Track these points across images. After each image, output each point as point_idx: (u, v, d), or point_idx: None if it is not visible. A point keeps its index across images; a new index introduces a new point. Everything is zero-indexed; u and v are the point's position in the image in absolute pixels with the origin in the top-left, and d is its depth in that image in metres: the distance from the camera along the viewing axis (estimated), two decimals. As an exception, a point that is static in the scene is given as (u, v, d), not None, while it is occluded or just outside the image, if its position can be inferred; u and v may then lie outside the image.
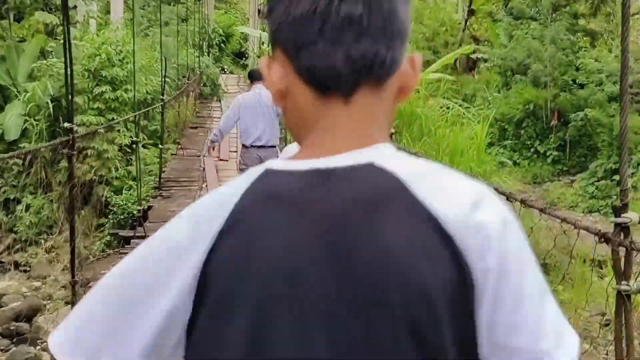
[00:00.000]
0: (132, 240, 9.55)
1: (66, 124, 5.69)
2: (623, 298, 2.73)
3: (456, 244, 0.86)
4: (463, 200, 0.88)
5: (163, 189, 12.16)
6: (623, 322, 2.71)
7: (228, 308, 0.86)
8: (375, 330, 0.82)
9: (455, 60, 28.33)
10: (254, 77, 7.71)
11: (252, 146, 6.87)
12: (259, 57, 21.81)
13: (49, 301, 10.38)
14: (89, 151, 12.98)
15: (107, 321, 0.91)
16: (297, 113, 0.98)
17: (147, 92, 13.78)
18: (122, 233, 10.95)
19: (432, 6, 31.62)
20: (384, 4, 0.93)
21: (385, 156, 0.92)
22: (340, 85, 0.93)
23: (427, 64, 23.84)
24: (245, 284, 0.85)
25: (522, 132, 21.99)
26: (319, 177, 0.90)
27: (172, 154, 14.15)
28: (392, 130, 5.11)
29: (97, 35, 13.91)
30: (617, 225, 2.74)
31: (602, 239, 2.78)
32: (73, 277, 6.08)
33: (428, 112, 12.53)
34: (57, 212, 13.12)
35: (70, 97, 5.53)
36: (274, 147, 7.31)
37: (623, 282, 2.74)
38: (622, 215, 2.72)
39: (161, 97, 12.02)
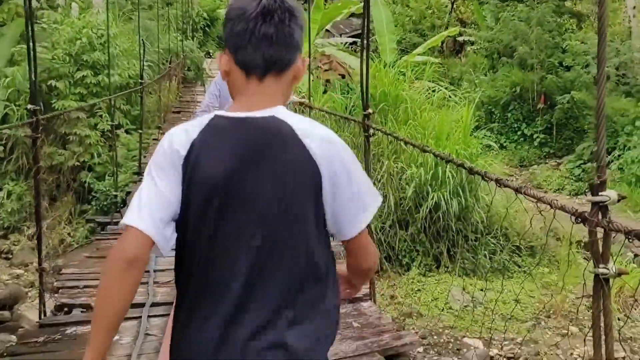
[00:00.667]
0: (108, 227, 9.32)
1: (29, 106, 5.47)
2: (601, 282, 2.57)
3: (316, 160, 1.81)
4: (319, 139, 1.84)
5: (143, 174, 11.94)
6: (601, 307, 2.56)
7: (189, 190, 1.86)
8: (282, 204, 1.83)
9: (442, 43, 28.27)
10: None
11: None
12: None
13: (31, 288, 10.24)
14: (71, 137, 12.80)
15: (148, 207, 1.81)
16: (233, 84, 1.97)
17: (129, 76, 13.57)
18: (100, 219, 10.66)
19: (419, -11, 31.33)
20: (285, 28, 1.87)
21: (280, 113, 1.89)
22: (257, 71, 1.90)
23: (413, 46, 23.77)
24: (200, 176, 1.83)
25: (509, 115, 21.93)
26: (242, 121, 1.87)
27: (153, 139, 13.89)
28: (370, 111, 5.37)
29: (78, 19, 13.65)
30: (594, 204, 2.57)
31: (579, 219, 2.60)
32: (40, 264, 5.88)
33: (414, 95, 12.43)
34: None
35: (34, 78, 5.36)
36: None
37: (601, 265, 2.58)
38: (600, 193, 2.54)
39: (140, 80, 11.74)
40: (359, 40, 22.36)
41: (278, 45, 1.90)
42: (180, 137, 1.88)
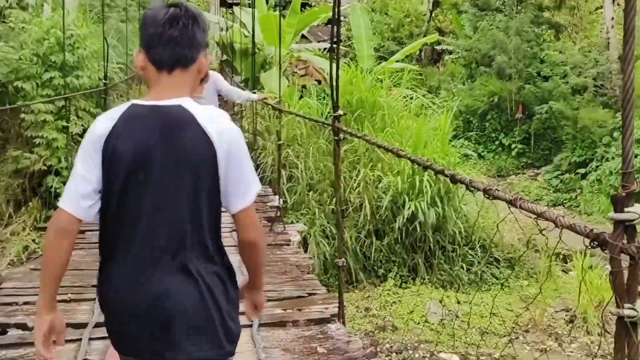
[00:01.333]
0: None
1: None
2: (626, 326, 2.00)
3: (213, 143, 2.28)
4: (218, 126, 2.32)
5: None
6: (625, 356, 1.97)
7: (107, 167, 2.33)
8: (186, 176, 2.30)
9: (421, 52, 28.15)
10: None
11: None
12: (217, 43, 21.29)
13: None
14: (37, 140, 12.36)
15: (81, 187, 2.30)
16: (148, 77, 2.43)
17: (99, 78, 13.14)
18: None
19: (397, -2, 31.26)
20: (189, 32, 2.36)
21: (186, 103, 2.37)
22: (166, 67, 2.38)
23: (391, 54, 23.58)
24: (116, 157, 2.31)
25: (487, 124, 21.80)
26: (153, 108, 2.34)
27: None
28: (341, 113, 5.14)
29: (47, 20, 13.23)
30: (618, 222, 1.98)
31: (595, 243, 2.00)
32: None
33: (391, 102, 12.18)
34: (4, 204, 12.48)
35: None
36: None
37: (626, 306, 2.00)
38: (626, 209, 1.96)
39: (104, 81, 11.30)
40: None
41: (182, 46, 2.42)
42: (103, 124, 2.40)
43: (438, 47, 28.11)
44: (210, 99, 8.32)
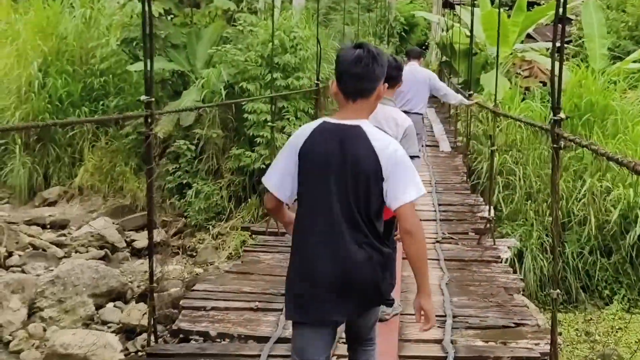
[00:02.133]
0: (260, 237, 9.09)
1: (143, 97, 5.04)
2: None
3: (379, 157, 3.08)
4: (382, 143, 3.12)
5: None
6: None
7: (302, 168, 3.18)
8: (354, 180, 3.08)
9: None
10: (410, 54, 9.58)
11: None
12: (437, 44, 20.87)
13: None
14: (258, 139, 12.79)
15: (279, 177, 3.24)
16: (338, 101, 3.25)
17: (319, 79, 13.33)
18: (254, 228, 10.24)
19: (637, -8, 28.75)
20: (369, 69, 3.09)
21: (364, 124, 3.18)
22: (351, 96, 3.17)
23: (627, 54, 21.74)
24: (309, 159, 3.15)
25: None
26: (339, 126, 3.16)
27: None
28: (562, 116, 4.49)
29: (267, 19, 13.64)
30: None
31: None
32: (151, 282, 5.10)
33: (626, 107, 11.05)
34: (226, 199, 13.07)
35: (150, 70, 4.96)
36: (420, 114, 8.63)
37: None
38: None
39: (316, 81, 11.41)
40: (567, 45, 20.74)
41: (364, 81, 3.16)
42: (302, 133, 3.24)
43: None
44: (419, 94, 8.66)
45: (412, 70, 8.56)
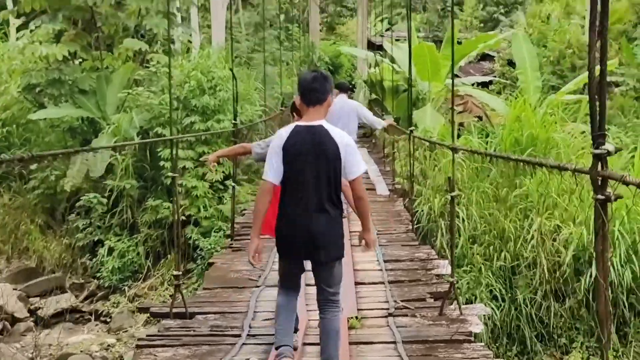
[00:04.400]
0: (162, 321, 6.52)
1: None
2: None
3: (338, 146, 4.55)
4: (339, 136, 4.61)
5: (236, 238, 9.60)
6: None
7: (286, 159, 4.54)
8: (324, 163, 4.52)
9: (584, 85, 25.77)
10: (339, 87, 9.88)
11: None
12: (365, 82, 20.30)
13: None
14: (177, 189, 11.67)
15: (272, 169, 4.56)
16: (301, 110, 4.79)
17: (241, 122, 12.37)
18: (155, 309, 7.32)
19: (556, 28, 29.16)
20: (322, 84, 4.69)
21: (324, 123, 4.67)
22: (311, 104, 4.67)
23: (552, 89, 21.62)
24: (290, 152, 4.53)
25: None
26: (308, 127, 4.62)
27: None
28: (612, 147, 3.21)
29: (184, 61, 12.67)
30: None
31: None
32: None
33: (567, 139, 10.46)
34: (142, 256, 11.85)
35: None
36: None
37: None
38: None
39: (233, 122, 9.89)
40: (493, 81, 20.41)
41: (318, 92, 4.64)
42: (282, 136, 4.61)
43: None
44: (350, 123, 9.39)
45: (342, 102, 9.52)
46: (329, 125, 4.61)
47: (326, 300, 4.66)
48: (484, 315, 6.81)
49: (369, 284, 7.43)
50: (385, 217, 10.63)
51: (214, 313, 6.49)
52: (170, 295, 8.94)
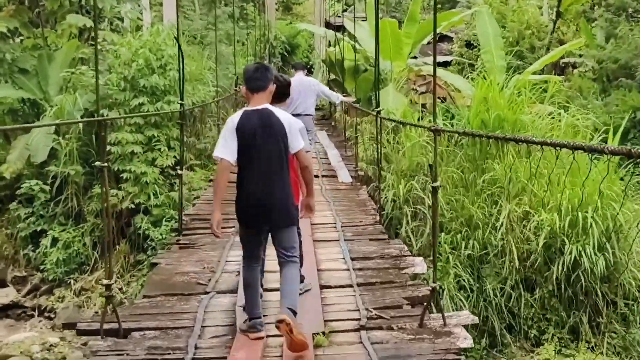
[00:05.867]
0: (91, 340, 6.10)
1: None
2: None
3: (284, 124, 5.16)
4: (284, 116, 5.24)
5: (184, 232, 8.70)
6: None
7: (239, 140, 5.08)
8: (272, 139, 5.11)
9: (544, 67, 25.57)
10: (295, 67, 10.74)
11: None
12: (324, 61, 19.67)
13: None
14: (125, 174, 10.95)
15: (228, 149, 5.06)
16: (247, 97, 5.35)
17: (193, 103, 11.68)
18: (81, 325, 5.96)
19: (515, 9, 28.88)
20: (264, 74, 5.31)
21: (269, 107, 5.25)
22: (255, 91, 5.25)
23: (510, 70, 21.35)
24: (242, 133, 5.07)
25: (628, 144, 19.04)
26: (256, 110, 5.20)
27: (209, 180, 11.61)
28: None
29: (133, 37, 11.87)
30: None
31: None
32: None
33: (536, 121, 10.04)
34: (90, 247, 11.12)
35: None
36: (310, 115, 9.98)
37: None
38: None
39: (180, 102, 8.79)
40: (451, 62, 19.95)
41: (261, 81, 5.20)
42: (234, 120, 5.10)
43: (562, 61, 25.47)
44: (308, 99, 9.94)
45: (300, 79, 9.98)
46: (273, 107, 5.24)
47: (286, 262, 5.20)
48: (469, 326, 5.83)
49: (336, 287, 6.49)
50: (349, 207, 9.83)
51: (154, 329, 5.48)
52: (99, 311, 8.03)
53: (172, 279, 6.84)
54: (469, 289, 8.59)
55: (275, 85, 5.34)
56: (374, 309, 5.83)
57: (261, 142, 5.04)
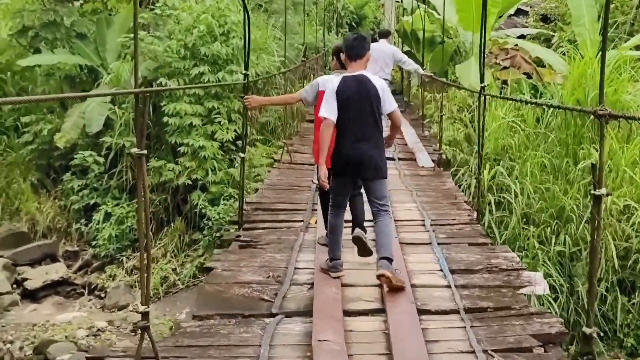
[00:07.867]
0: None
1: None
2: None
3: (377, 89, 5.69)
4: (378, 82, 5.77)
5: (245, 227, 7.38)
6: None
7: (339, 103, 5.62)
8: (367, 103, 5.65)
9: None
10: (380, 34, 11.19)
11: None
12: (397, 31, 18.63)
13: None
14: (182, 148, 10.27)
15: (330, 109, 5.62)
16: (347, 64, 5.84)
17: (257, 74, 10.88)
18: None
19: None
20: (362, 43, 5.79)
21: (366, 72, 5.78)
22: (353, 59, 5.75)
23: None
24: (342, 96, 5.61)
25: None
26: (354, 76, 5.70)
27: (274, 161, 10.48)
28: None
29: (195, 2, 11.13)
30: None
31: None
32: None
33: (638, 101, 8.94)
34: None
35: None
36: (386, 79, 9.81)
37: None
38: None
39: (244, 72, 7.57)
40: (525, 37, 18.54)
41: (359, 49, 5.69)
42: (333, 83, 5.64)
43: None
44: (386, 66, 10.40)
45: (381, 46, 10.55)
46: (369, 74, 5.73)
47: (379, 211, 5.67)
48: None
49: (437, 313, 5.09)
50: (435, 199, 8.42)
51: (202, 367, 4.27)
52: (135, 331, 7.49)
53: (230, 291, 5.53)
54: (558, 290, 7.64)
55: (367, 53, 5.79)
56: (494, 351, 4.41)
57: (358, 104, 5.58)
